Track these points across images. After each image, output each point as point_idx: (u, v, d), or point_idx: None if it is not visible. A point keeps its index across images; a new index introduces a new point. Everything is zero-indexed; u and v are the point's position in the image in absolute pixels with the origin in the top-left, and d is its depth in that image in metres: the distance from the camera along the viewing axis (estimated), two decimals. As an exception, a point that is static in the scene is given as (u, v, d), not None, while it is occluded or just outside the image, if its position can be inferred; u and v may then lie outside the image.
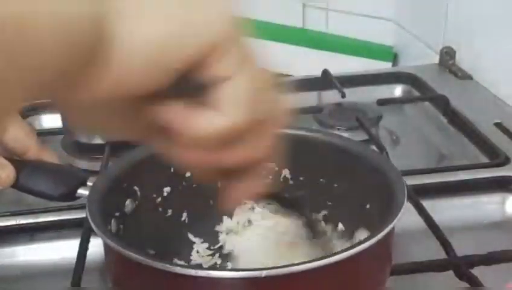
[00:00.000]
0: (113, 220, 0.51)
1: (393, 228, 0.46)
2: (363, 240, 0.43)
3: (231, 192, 0.40)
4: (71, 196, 0.50)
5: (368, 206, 0.55)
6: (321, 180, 0.58)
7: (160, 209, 0.57)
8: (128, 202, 0.53)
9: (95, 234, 0.60)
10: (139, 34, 0.30)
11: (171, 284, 0.42)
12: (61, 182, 0.50)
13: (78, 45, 0.28)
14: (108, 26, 0.29)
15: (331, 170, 0.57)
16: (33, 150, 0.51)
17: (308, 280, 0.41)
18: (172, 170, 0.56)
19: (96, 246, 0.58)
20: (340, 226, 0.58)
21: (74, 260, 0.59)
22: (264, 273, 0.40)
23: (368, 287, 0.47)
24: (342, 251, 0.42)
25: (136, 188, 0.54)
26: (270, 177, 0.60)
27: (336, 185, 0.57)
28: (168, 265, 0.41)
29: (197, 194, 0.58)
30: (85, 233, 0.61)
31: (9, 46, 0.25)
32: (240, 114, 0.34)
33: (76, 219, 0.66)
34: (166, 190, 0.57)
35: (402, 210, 0.46)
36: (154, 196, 0.57)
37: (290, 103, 0.38)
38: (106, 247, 0.47)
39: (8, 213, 0.69)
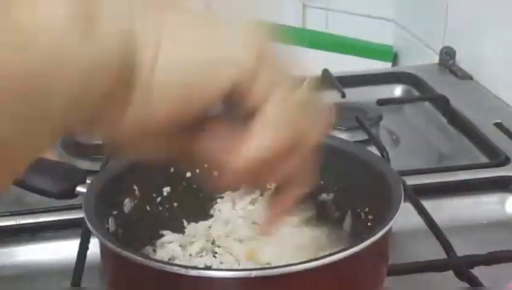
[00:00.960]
0: (110, 219, 0.51)
1: (390, 229, 0.46)
2: (358, 242, 0.43)
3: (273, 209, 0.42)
4: (70, 193, 0.50)
5: (367, 209, 0.55)
6: (321, 182, 0.58)
7: (160, 208, 0.57)
8: (127, 200, 0.53)
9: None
10: (168, 68, 0.30)
11: (161, 283, 0.42)
12: (60, 179, 0.50)
13: (101, 84, 0.28)
14: (135, 59, 0.29)
15: (331, 172, 0.57)
16: None
17: (299, 281, 0.41)
18: (172, 170, 0.56)
19: (96, 246, 0.58)
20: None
21: (74, 260, 0.59)
22: (253, 273, 0.40)
23: (363, 288, 0.46)
24: (335, 253, 0.42)
25: (135, 187, 0.54)
26: None
27: (335, 188, 0.57)
28: (158, 263, 0.42)
29: (197, 195, 0.58)
30: (85, 233, 0.61)
31: (33, 95, 0.25)
32: (277, 138, 0.35)
33: (76, 218, 0.66)
34: (166, 189, 0.57)
35: (398, 212, 0.46)
36: (154, 195, 0.57)
37: (327, 116, 0.39)
38: (101, 245, 0.47)
39: (8, 213, 0.69)
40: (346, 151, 0.56)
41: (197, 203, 0.59)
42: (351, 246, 0.43)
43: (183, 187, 0.57)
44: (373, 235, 0.43)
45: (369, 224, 0.55)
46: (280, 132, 0.35)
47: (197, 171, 0.57)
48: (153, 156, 0.37)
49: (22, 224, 0.68)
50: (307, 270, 0.41)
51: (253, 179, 0.38)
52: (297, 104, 0.36)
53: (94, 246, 0.59)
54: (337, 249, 0.43)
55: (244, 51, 0.33)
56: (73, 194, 0.50)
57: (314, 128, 0.38)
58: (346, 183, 0.56)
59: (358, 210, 0.55)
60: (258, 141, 0.35)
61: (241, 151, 0.35)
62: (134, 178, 0.54)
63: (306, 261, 0.41)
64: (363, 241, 0.43)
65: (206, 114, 0.34)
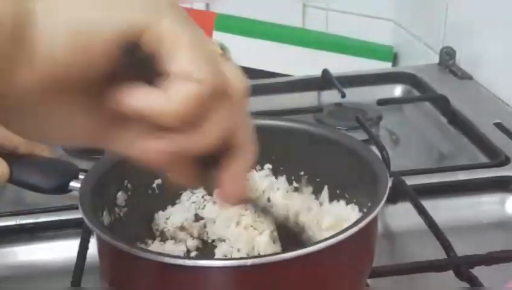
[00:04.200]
0: (105, 213, 0.52)
1: (374, 219, 0.47)
2: (344, 230, 0.44)
3: (221, 190, 0.39)
4: (63, 188, 0.50)
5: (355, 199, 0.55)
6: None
7: (151, 200, 0.57)
8: (119, 194, 0.54)
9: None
10: (58, 18, 0.31)
11: (159, 274, 0.43)
12: (54, 175, 0.50)
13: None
14: (28, 17, 0.30)
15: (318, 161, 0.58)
16: (23, 145, 0.51)
17: (292, 268, 0.42)
18: None
19: (96, 246, 0.58)
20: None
21: (74, 260, 0.59)
22: (249, 261, 0.41)
23: (349, 275, 0.47)
24: (324, 240, 0.43)
25: (126, 180, 0.54)
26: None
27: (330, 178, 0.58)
28: (155, 255, 0.42)
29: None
30: (85, 233, 0.61)
31: None
32: (200, 73, 0.33)
33: (76, 218, 0.66)
34: (157, 181, 0.57)
35: (381, 204, 0.46)
36: (146, 187, 0.57)
37: (240, 72, 0.37)
38: (98, 239, 0.48)
39: (8, 213, 0.69)
40: (334, 140, 0.56)
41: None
42: (337, 234, 0.43)
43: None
44: (356, 225, 0.44)
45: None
46: (199, 71, 0.33)
47: None
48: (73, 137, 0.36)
49: (22, 224, 0.68)
50: (299, 257, 0.42)
51: (182, 144, 0.34)
52: (209, 49, 0.34)
53: (94, 246, 0.59)
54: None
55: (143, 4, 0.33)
56: (66, 190, 0.50)
57: (234, 74, 0.36)
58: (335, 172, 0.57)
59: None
60: (177, 88, 0.33)
61: (166, 96, 0.33)
62: (124, 172, 0.54)
63: (297, 249, 0.42)
64: (347, 229, 0.44)
65: (112, 72, 0.33)
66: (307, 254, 0.42)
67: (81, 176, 0.50)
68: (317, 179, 0.58)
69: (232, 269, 0.42)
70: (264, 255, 0.43)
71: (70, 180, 0.50)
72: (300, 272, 0.43)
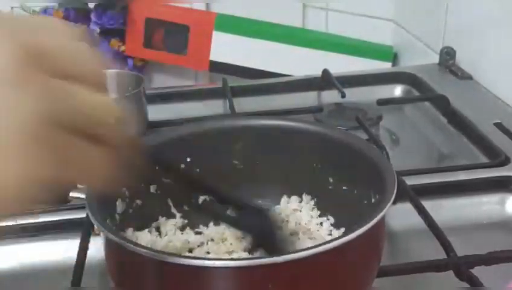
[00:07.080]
0: (108, 220, 0.52)
1: (383, 218, 0.47)
2: (353, 229, 0.44)
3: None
4: (63, 199, 0.50)
5: (372, 200, 0.55)
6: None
7: (149, 205, 0.57)
8: (118, 201, 0.54)
9: (95, 234, 0.60)
10: None
11: (165, 274, 0.43)
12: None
13: None
14: None
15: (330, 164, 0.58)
16: None
17: (300, 268, 0.42)
18: (157, 168, 0.57)
19: (96, 246, 0.58)
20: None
21: (74, 260, 0.59)
22: (255, 262, 0.42)
23: (358, 275, 0.47)
24: (332, 240, 0.43)
25: (123, 188, 0.54)
26: None
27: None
28: (162, 254, 0.42)
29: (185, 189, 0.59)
30: (85, 233, 0.61)
31: None
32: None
33: (76, 218, 0.66)
34: (153, 187, 0.57)
35: (389, 203, 0.47)
36: (142, 193, 0.57)
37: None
38: (108, 242, 0.48)
39: (8, 213, 0.69)
40: (349, 144, 0.56)
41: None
42: (341, 236, 0.43)
43: (168, 184, 0.58)
44: (364, 225, 0.44)
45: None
46: None
47: (182, 166, 0.59)
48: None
49: (22, 224, 0.68)
50: (307, 257, 0.42)
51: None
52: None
53: (94, 246, 0.59)
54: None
55: None
56: (66, 200, 0.50)
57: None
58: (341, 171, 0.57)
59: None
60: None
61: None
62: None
63: (300, 250, 0.43)
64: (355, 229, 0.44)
65: None
66: (315, 253, 0.42)
67: (79, 185, 0.50)
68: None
69: (237, 269, 0.42)
70: (272, 256, 0.43)
71: (69, 190, 0.50)
72: (308, 272, 0.43)
